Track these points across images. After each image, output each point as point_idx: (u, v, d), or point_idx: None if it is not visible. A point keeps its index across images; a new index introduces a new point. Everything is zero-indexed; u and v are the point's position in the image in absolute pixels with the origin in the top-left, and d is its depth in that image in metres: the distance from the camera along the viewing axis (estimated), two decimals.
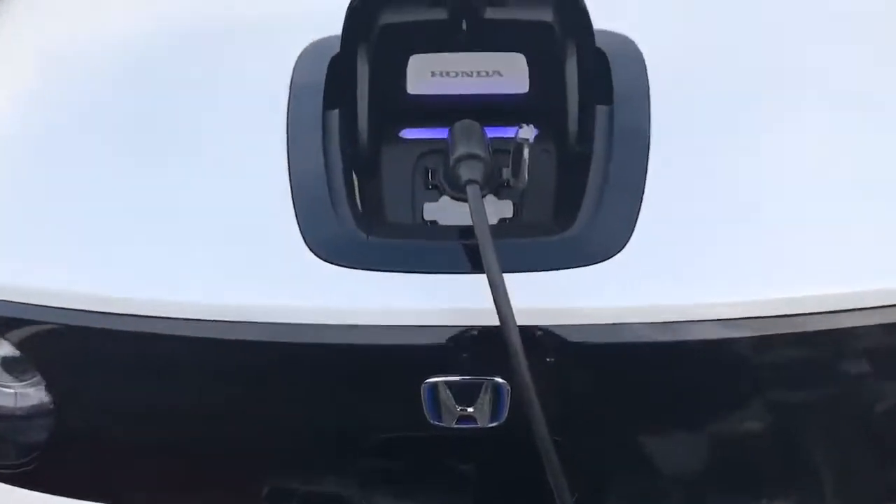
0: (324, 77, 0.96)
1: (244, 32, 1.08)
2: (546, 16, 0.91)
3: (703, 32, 1.06)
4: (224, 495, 0.94)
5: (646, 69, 0.96)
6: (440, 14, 0.91)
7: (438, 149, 0.91)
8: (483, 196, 0.90)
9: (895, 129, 0.94)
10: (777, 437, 0.87)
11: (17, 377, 0.97)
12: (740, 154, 0.91)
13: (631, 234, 0.83)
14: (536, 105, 0.96)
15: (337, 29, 0.93)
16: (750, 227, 0.85)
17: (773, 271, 0.82)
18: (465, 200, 0.86)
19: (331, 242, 0.85)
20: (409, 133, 0.98)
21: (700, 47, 1.04)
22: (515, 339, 0.74)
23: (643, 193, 0.86)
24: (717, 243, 0.85)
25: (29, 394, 0.97)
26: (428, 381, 0.83)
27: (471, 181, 0.81)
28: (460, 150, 0.83)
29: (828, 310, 0.81)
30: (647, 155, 0.89)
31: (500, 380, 0.82)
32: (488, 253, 0.76)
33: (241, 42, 1.06)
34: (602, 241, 0.83)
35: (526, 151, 0.87)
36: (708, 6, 1.09)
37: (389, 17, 0.92)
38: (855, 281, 0.82)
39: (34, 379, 0.96)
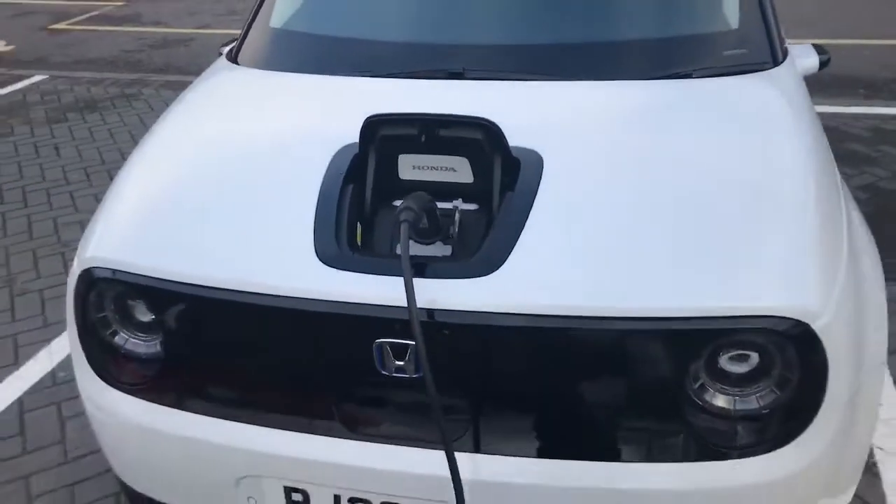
0: (348, 164, 1.59)
1: (310, 139, 1.74)
2: (477, 135, 1.51)
3: (593, 149, 1.63)
4: (261, 406, 1.51)
5: (542, 170, 1.54)
6: (415, 131, 1.53)
7: None
8: (432, 242, 1.49)
9: (696, 204, 1.48)
10: (569, 391, 1.40)
11: (148, 334, 1.61)
12: (592, 220, 1.46)
13: (502, 265, 1.38)
14: (477, 190, 1.54)
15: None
16: (581, 259, 1.39)
17: (582, 287, 1.35)
18: (421, 242, 1.45)
19: (330, 255, 1.44)
20: (398, 202, 1.57)
21: (584, 155, 1.62)
22: (415, 318, 1.29)
23: (518, 238, 1.41)
24: (552, 269, 1.39)
25: (153, 344, 1.60)
26: (377, 340, 1.39)
27: (404, 220, 1.38)
28: (403, 205, 1.41)
29: (616, 316, 1.32)
30: (527, 216, 1.45)
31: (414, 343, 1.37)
32: (405, 264, 1.33)
33: (309, 143, 1.72)
34: (483, 266, 1.39)
35: (457, 214, 1.46)
36: (601, 134, 1.67)
37: (387, 131, 1.54)
38: (638, 299, 1.33)
39: (158, 335, 1.58)
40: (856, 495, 2.09)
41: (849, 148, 4.29)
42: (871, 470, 2.16)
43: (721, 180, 1.55)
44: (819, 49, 2.25)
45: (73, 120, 5.19)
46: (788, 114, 1.77)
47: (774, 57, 2.01)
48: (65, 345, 2.84)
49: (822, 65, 2.22)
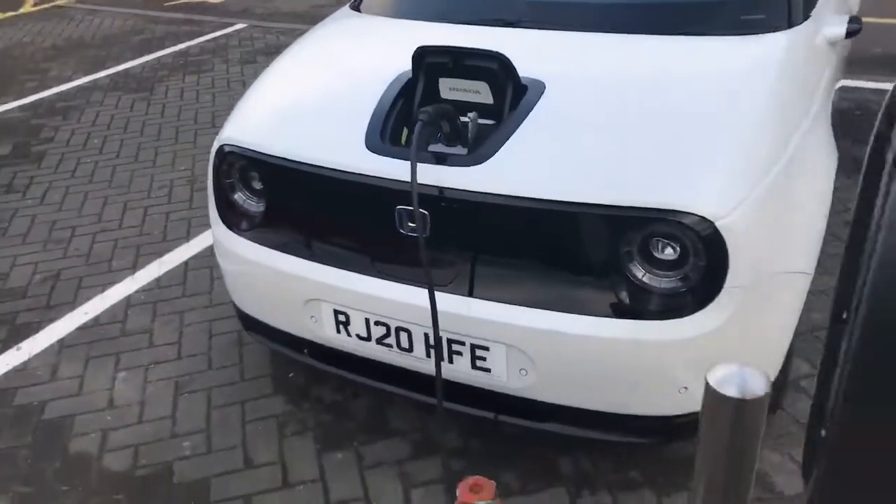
0: (402, 85, 2.15)
1: (382, 69, 2.29)
2: (493, 65, 2.01)
3: (589, 83, 2.09)
4: (323, 248, 2.13)
5: (542, 94, 2.02)
6: (448, 59, 2.05)
7: None
8: (454, 145, 2.02)
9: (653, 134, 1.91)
10: (530, 250, 1.87)
11: (256, 197, 2.27)
12: (567, 132, 1.93)
13: (491, 158, 1.89)
14: (495, 108, 2.05)
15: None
16: (549, 157, 1.87)
17: (545, 178, 1.83)
18: (446, 144, 1.99)
19: (374, 146, 2.02)
20: None
21: (580, 86, 2.08)
22: (415, 189, 1.83)
23: (507, 140, 1.92)
24: (526, 164, 1.88)
25: (260, 203, 2.26)
26: (398, 207, 1.95)
27: (420, 119, 1.92)
28: (423, 109, 1.95)
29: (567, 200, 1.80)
30: (517, 127, 1.94)
31: (423, 211, 1.92)
32: (413, 149, 1.86)
33: (379, 71, 2.28)
34: (478, 158, 1.90)
35: (471, 125, 1.99)
36: (588, 71, 2.12)
37: (430, 59, 2.08)
38: (589, 194, 1.80)
39: (263, 197, 2.24)
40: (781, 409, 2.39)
41: None
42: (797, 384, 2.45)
43: (680, 110, 1.96)
44: (853, 19, 2.50)
45: (260, 62, 6.11)
46: (767, 65, 2.12)
47: (790, 21, 2.32)
48: None
49: (850, 34, 2.47)
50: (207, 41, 6.79)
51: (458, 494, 1.31)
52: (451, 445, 2.32)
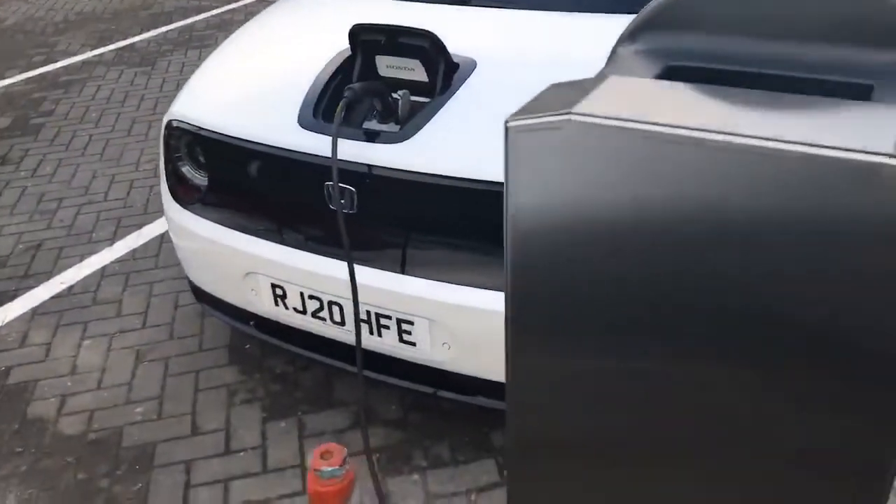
0: (341, 61, 2.18)
1: (323, 43, 2.32)
2: (424, 43, 2.02)
3: (519, 60, 2.09)
4: (260, 224, 2.18)
5: (473, 71, 2.03)
6: (382, 37, 2.07)
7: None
8: (388, 122, 2.04)
9: None
10: (452, 227, 1.90)
11: (201, 171, 2.32)
12: (489, 111, 1.94)
13: (414, 135, 1.92)
14: (429, 85, 2.07)
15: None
16: (466, 136, 1.89)
17: (459, 156, 1.86)
18: (380, 121, 2.02)
19: (306, 122, 2.05)
20: None
21: (511, 65, 2.08)
22: (335, 166, 1.85)
23: (431, 118, 1.94)
24: (445, 142, 1.90)
25: (205, 179, 2.31)
26: (326, 182, 1.99)
27: (345, 96, 1.95)
28: (350, 86, 1.97)
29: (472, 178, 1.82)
30: (443, 105, 1.96)
31: (349, 187, 1.95)
32: (335, 128, 1.88)
33: (323, 49, 2.30)
34: (401, 136, 1.93)
35: (400, 102, 2.01)
36: (524, 49, 2.12)
37: (364, 37, 2.10)
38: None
39: (206, 172, 2.29)
40: None
41: None
42: None
43: None
44: None
45: None
46: None
47: None
48: None
49: None
50: (214, 16, 6.85)
51: (309, 463, 1.35)
52: (391, 417, 2.37)
